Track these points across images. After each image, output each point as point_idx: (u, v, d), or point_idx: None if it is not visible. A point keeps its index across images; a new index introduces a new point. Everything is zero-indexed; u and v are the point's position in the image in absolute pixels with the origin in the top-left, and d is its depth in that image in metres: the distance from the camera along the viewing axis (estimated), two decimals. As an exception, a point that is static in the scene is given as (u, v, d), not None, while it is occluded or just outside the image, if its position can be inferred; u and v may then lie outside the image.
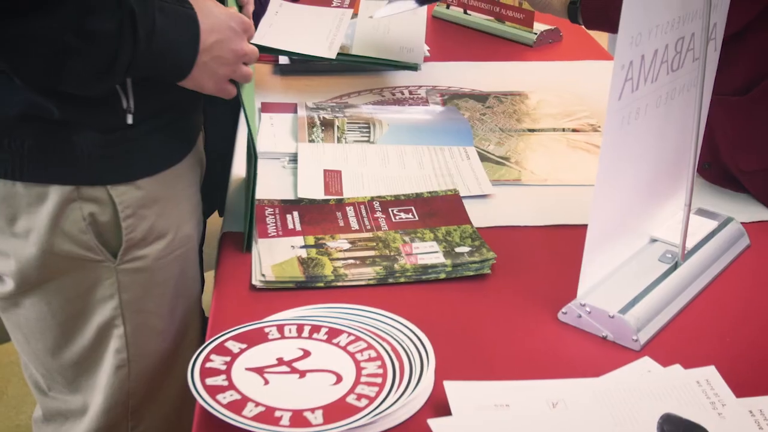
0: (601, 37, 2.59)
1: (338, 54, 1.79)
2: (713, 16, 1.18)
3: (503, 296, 1.19)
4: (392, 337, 1.06)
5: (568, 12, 1.68)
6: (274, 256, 1.23)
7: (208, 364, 0.99)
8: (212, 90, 1.18)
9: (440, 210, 1.36)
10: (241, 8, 1.36)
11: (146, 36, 1.05)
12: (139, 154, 1.20)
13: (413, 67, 1.89)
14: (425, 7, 2.02)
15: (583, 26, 1.69)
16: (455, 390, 0.96)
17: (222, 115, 1.51)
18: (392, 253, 1.24)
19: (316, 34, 1.85)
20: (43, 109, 1.11)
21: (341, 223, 1.32)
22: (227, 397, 0.94)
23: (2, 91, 1.10)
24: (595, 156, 1.60)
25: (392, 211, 1.36)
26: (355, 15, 1.94)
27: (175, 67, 1.12)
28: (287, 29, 1.84)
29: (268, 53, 1.81)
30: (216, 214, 1.53)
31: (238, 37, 1.18)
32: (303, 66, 1.97)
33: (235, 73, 1.19)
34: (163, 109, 1.19)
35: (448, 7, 2.40)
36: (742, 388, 0.97)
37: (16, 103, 1.11)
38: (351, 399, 0.94)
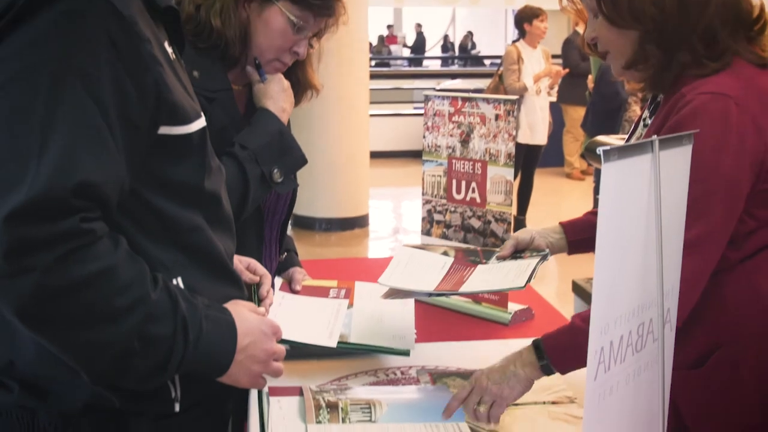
0: (569, 313, 2.81)
1: (338, 342, 2.00)
2: (666, 303, 1.39)
3: None
4: None
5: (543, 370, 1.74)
6: None
7: None
8: (247, 384, 1.35)
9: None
10: (260, 302, 1.58)
11: (195, 340, 1.24)
12: None
13: (405, 353, 2.09)
14: (413, 300, 2.26)
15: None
16: None
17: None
18: None
19: (317, 324, 2.07)
20: (105, 400, 1.27)
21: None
22: None
23: (70, 385, 1.25)
24: (574, 426, 1.76)
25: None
26: (350, 305, 2.17)
27: (216, 365, 1.30)
28: (290, 320, 2.05)
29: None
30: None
31: (268, 339, 1.37)
32: (303, 350, 2.15)
33: (267, 369, 1.36)
34: (204, 398, 1.36)
35: (429, 296, 2.61)
36: None
37: (82, 395, 1.26)
38: None
